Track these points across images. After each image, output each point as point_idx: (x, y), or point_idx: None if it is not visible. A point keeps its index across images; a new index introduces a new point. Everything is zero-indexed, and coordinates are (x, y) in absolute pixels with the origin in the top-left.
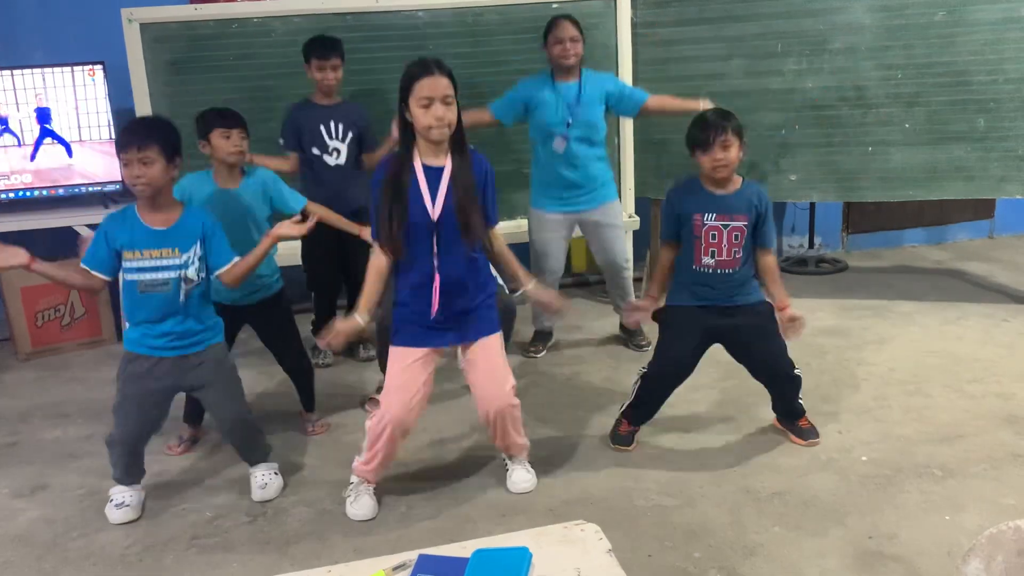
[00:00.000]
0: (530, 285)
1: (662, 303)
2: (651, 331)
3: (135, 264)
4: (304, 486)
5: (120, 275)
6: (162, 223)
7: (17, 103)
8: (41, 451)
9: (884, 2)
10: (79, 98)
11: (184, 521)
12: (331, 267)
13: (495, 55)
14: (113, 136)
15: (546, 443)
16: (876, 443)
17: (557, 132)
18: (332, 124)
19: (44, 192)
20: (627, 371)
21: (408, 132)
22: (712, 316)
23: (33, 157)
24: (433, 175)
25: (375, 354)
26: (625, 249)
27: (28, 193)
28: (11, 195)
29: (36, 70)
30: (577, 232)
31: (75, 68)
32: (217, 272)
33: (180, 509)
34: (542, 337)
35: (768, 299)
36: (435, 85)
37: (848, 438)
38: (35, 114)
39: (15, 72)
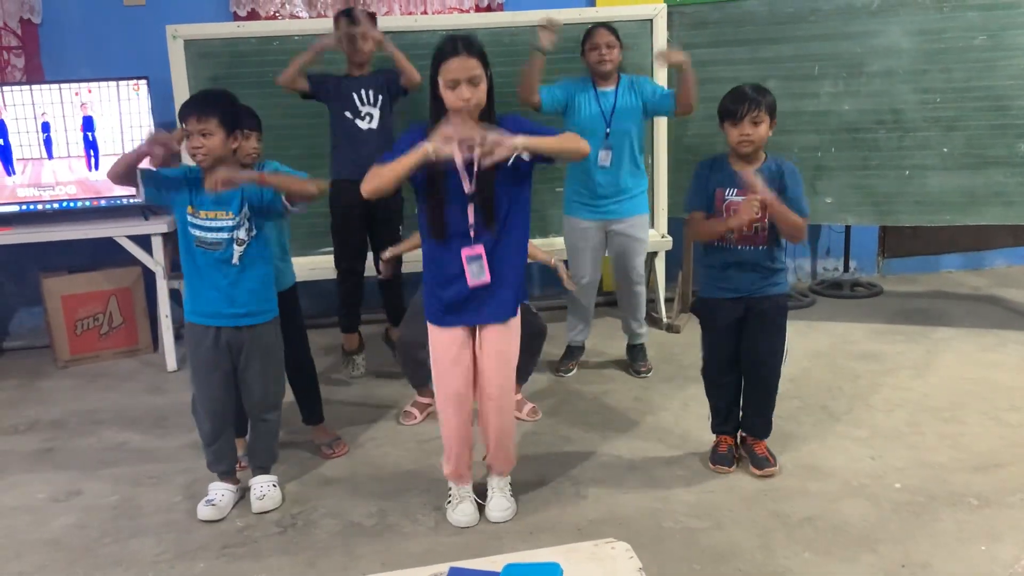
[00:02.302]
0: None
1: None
2: (654, 358)
3: (194, 221)
4: (334, 499)
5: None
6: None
7: (64, 116)
8: (76, 457)
9: (922, 26)
10: (123, 112)
11: (215, 529)
12: (358, 239)
13: (542, 80)
14: None
15: (574, 462)
16: (910, 470)
17: (596, 141)
18: (364, 92)
19: (87, 203)
20: (657, 391)
21: (440, 106)
22: (739, 305)
23: (91, 167)
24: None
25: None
26: (641, 265)
27: (72, 204)
28: (55, 205)
29: (83, 84)
30: None
31: (120, 82)
32: (281, 204)
33: None
34: (573, 354)
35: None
36: (462, 67)
37: (881, 464)
38: (81, 122)
39: (62, 86)
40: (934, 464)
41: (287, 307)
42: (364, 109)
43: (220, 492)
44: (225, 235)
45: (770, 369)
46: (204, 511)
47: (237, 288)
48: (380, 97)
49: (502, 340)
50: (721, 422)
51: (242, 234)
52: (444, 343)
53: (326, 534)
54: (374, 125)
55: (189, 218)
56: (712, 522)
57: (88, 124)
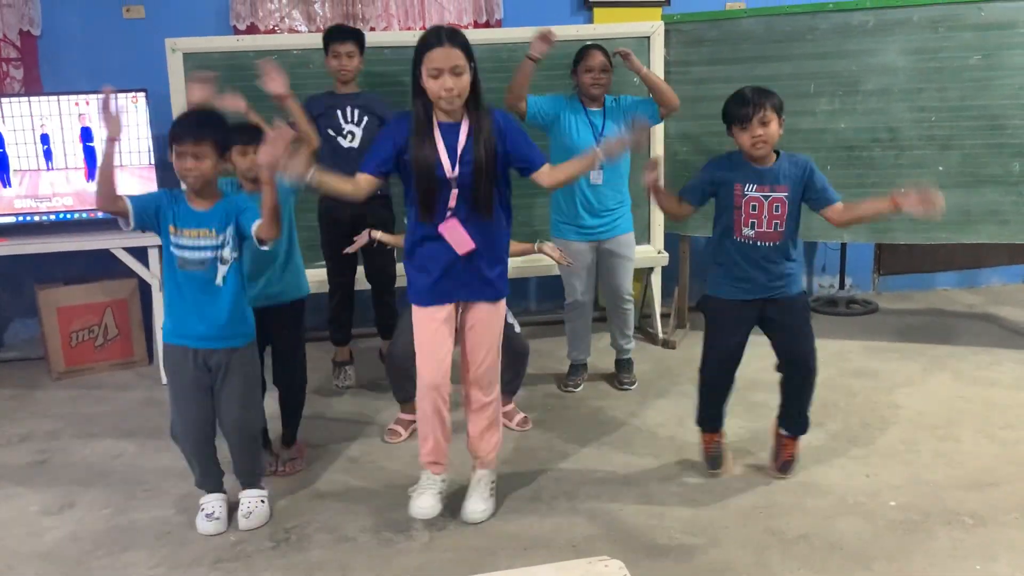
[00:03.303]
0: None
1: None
2: (650, 373)
3: (176, 240)
4: (328, 513)
5: (161, 266)
6: (204, 207)
7: (62, 127)
8: (70, 469)
9: (918, 45)
10: (121, 123)
11: (208, 543)
12: (348, 270)
13: (529, 90)
14: (153, 161)
15: (569, 478)
16: (905, 488)
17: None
18: (348, 109)
19: (84, 215)
20: (653, 406)
21: (424, 98)
22: (754, 308)
23: (90, 177)
24: (450, 131)
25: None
26: (630, 282)
27: (68, 215)
28: (52, 217)
29: (81, 96)
30: None
31: (118, 95)
32: (252, 229)
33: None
34: (577, 371)
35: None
36: (445, 56)
37: (876, 482)
38: (80, 133)
39: (61, 98)
40: (929, 482)
41: (294, 318)
42: (346, 128)
43: (216, 504)
44: (209, 254)
45: (811, 368)
46: (206, 526)
47: (219, 310)
48: (365, 118)
49: (487, 320)
50: (710, 418)
51: (226, 253)
52: (427, 321)
53: (320, 549)
54: (355, 144)
55: (172, 238)
56: (707, 539)
57: (87, 135)
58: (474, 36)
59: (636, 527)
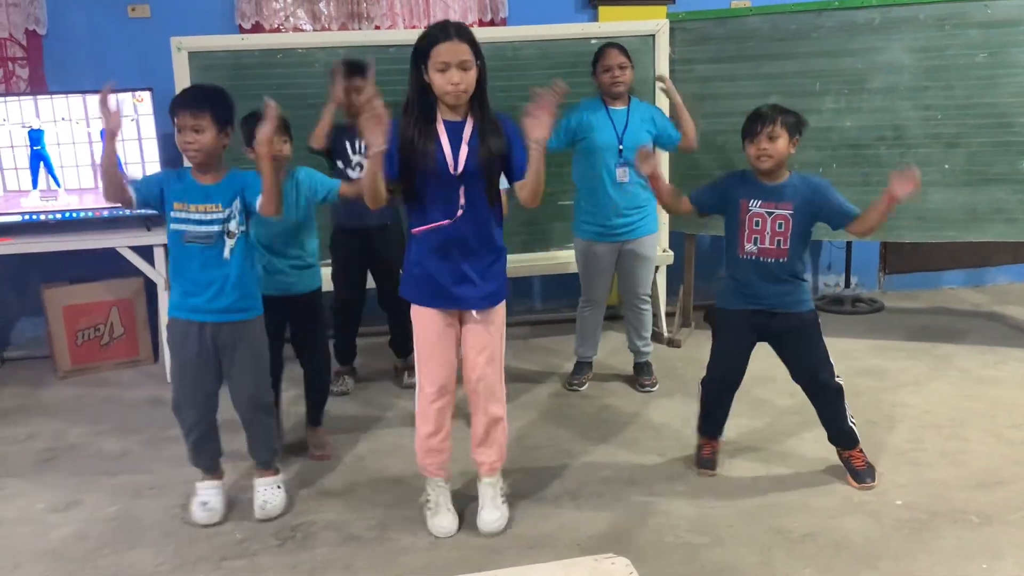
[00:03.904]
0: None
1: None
2: (658, 373)
3: (183, 215)
4: (333, 511)
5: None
6: (210, 181)
7: (72, 127)
8: (76, 467)
9: (924, 43)
10: (127, 122)
11: (213, 541)
12: (356, 292)
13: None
14: (159, 160)
15: (574, 477)
16: (911, 487)
17: (610, 157)
18: (357, 141)
19: (89, 214)
20: (658, 405)
21: (428, 92)
22: (760, 319)
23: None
24: (454, 129)
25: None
26: (649, 283)
27: (74, 215)
28: (58, 215)
29: (87, 95)
30: None
31: (124, 93)
32: (256, 203)
33: (210, 528)
34: (582, 369)
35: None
36: (453, 50)
37: (882, 481)
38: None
39: (67, 96)
40: (935, 481)
41: (311, 309)
42: (355, 159)
43: (212, 494)
44: (216, 227)
45: (826, 381)
46: (200, 515)
47: (226, 283)
48: None
49: (486, 327)
50: (708, 425)
51: (232, 227)
52: (430, 323)
53: (325, 547)
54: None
55: (180, 213)
56: (713, 537)
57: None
58: (479, 35)
59: (642, 526)
